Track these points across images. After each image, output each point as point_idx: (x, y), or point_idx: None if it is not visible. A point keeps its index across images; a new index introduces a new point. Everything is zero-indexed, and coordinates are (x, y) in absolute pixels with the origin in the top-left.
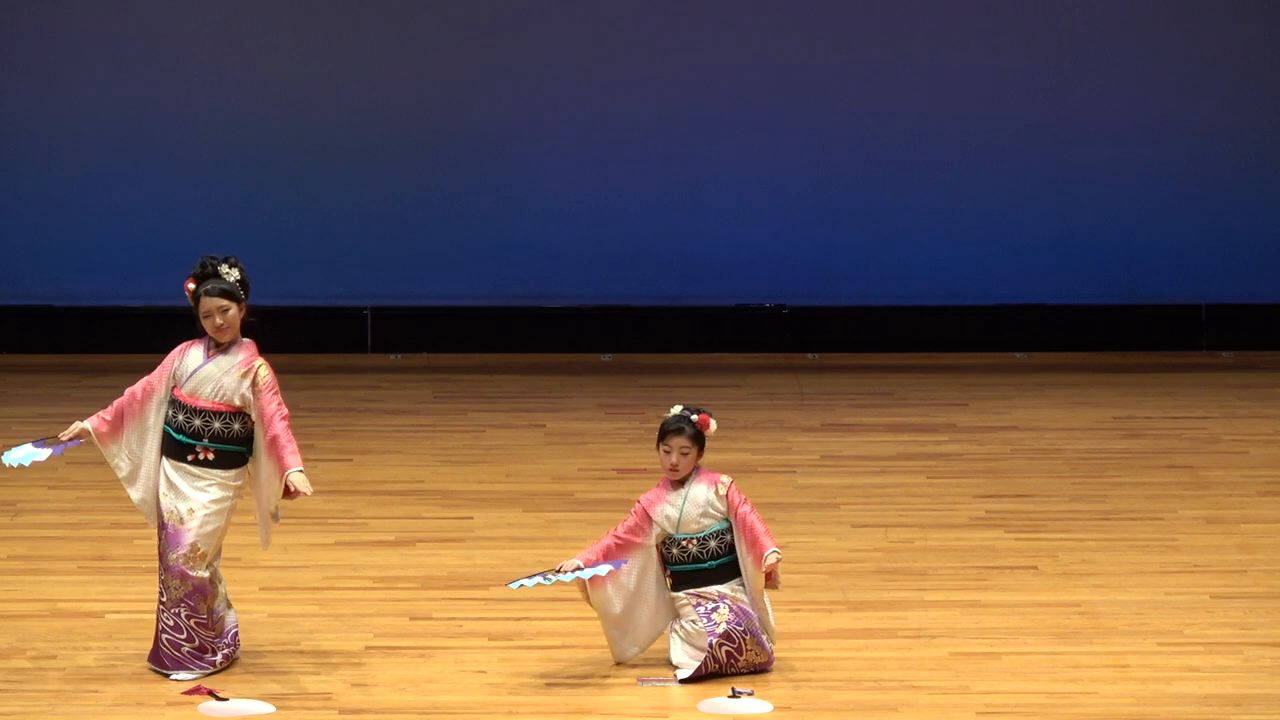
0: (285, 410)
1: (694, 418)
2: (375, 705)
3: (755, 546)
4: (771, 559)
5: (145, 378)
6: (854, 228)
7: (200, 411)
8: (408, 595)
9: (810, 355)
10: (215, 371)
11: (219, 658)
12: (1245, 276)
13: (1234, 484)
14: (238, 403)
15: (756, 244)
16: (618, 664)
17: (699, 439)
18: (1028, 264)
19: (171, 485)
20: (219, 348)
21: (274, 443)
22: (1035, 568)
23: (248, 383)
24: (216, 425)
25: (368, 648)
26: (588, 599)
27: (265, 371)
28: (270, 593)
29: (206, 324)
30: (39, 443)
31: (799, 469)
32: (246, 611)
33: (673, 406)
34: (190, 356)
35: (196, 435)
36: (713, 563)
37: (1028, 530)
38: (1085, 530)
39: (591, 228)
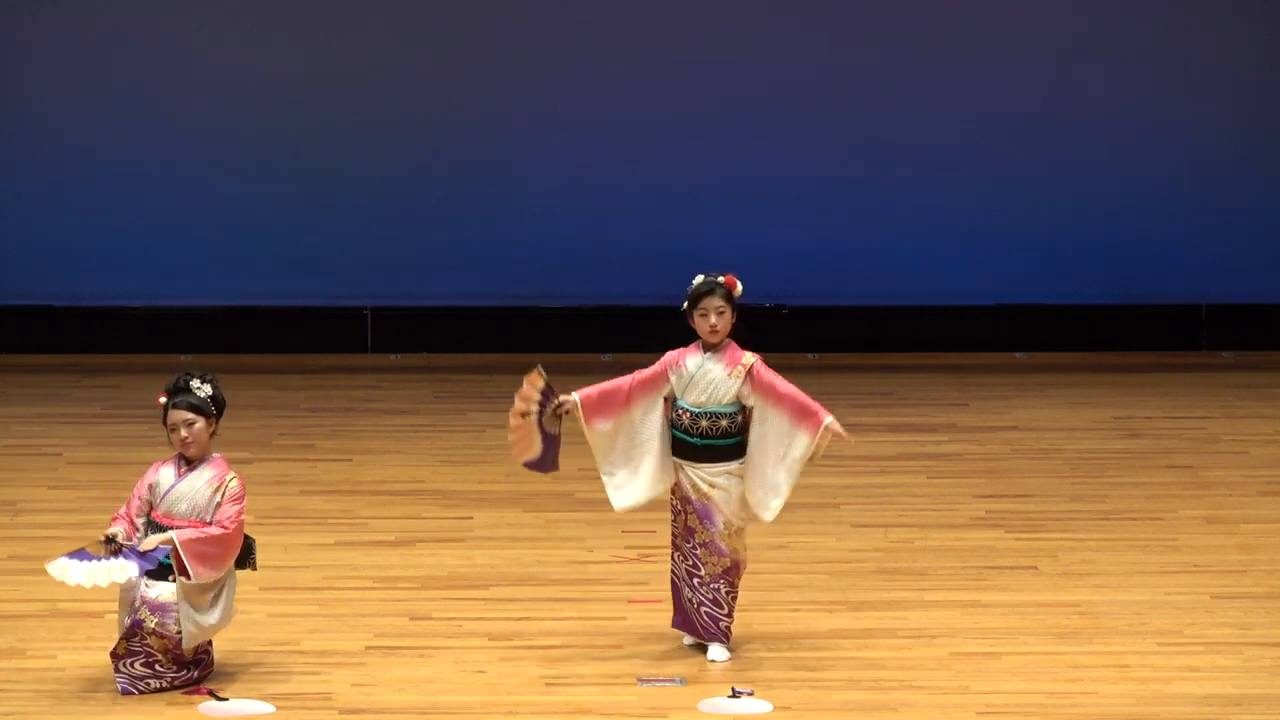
0: (230, 525)
1: (721, 279)
2: (375, 705)
3: (809, 417)
4: (833, 425)
5: (126, 509)
6: (854, 228)
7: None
8: (408, 595)
9: (810, 355)
10: (189, 488)
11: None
12: (1245, 276)
13: (1234, 484)
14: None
15: (756, 244)
16: (619, 509)
17: (730, 299)
18: (1028, 264)
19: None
20: (189, 465)
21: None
22: (1035, 568)
23: (219, 495)
24: None
25: (368, 648)
26: (585, 430)
27: (235, 484)
28: (270, 593)
29: (173, 437)
30: (79, 555)
31: None
32: (246, 612)
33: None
34: (162, 477)
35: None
36: (698, 440)
37: (1028, 530)
38: (1085, 530)
39: (591, 228)
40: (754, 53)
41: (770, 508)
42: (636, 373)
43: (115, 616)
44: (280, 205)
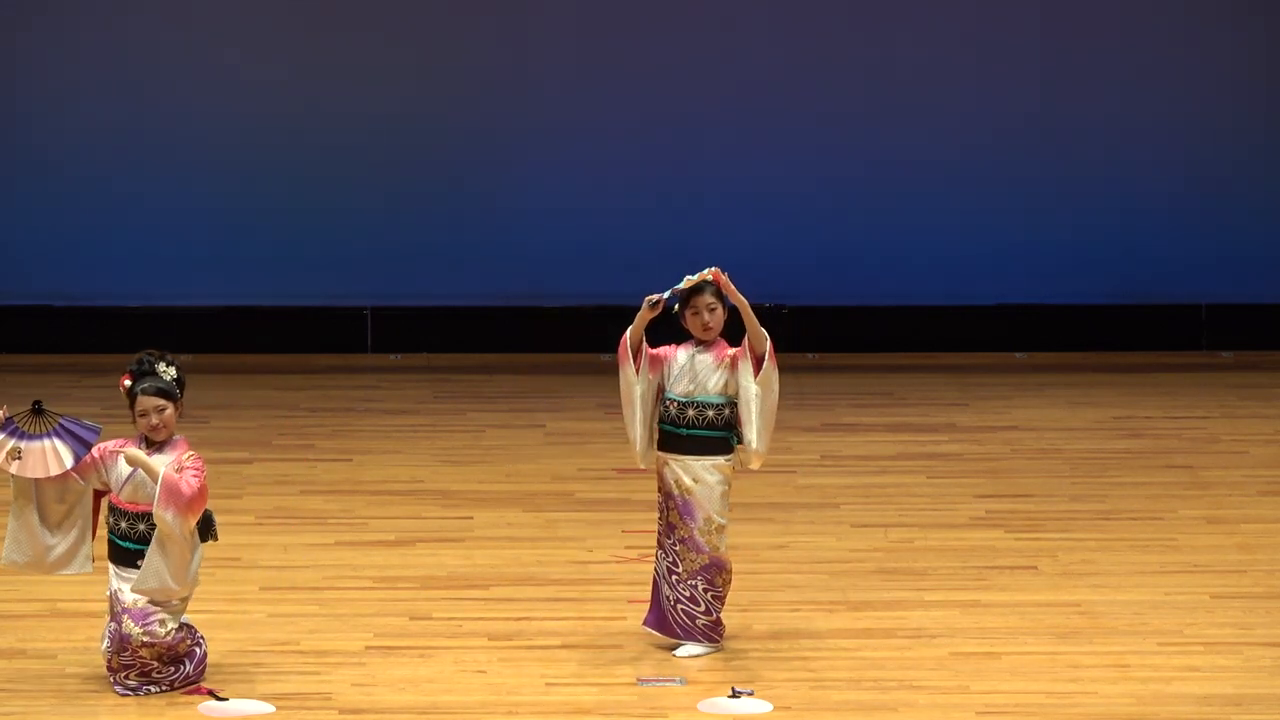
0: (195, 480)
1: (709, 276)
2: (375, 705)
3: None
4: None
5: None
6: (854, 228)
7: (144, 515)
8: (408, 595)
9: (810, 355)
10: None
11: (189, 669)
12: (1245, 276)
13: (1234, 484)
14: None
15: (756, 244)
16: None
17: (721, 296)
18: (1027, 264)
19: (125, 580)
20: (151, 447)
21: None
22: (1035, 568)
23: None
24: None
25: (368, 648)
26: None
27: (190, 457)
28: (270, 593)
29: (142, 423)
30: (8, 427)
31: (799, 469)
32: (246, 612)
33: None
34: (121, 462)
35: (143, 540)
36: (684, 430)
37: (1028, 530)
38: (1085, 530)
39: (591, 228)
40: (754, 53)
41: (755, 445)
42: (645, 347)
43: None
44: (280, 205)
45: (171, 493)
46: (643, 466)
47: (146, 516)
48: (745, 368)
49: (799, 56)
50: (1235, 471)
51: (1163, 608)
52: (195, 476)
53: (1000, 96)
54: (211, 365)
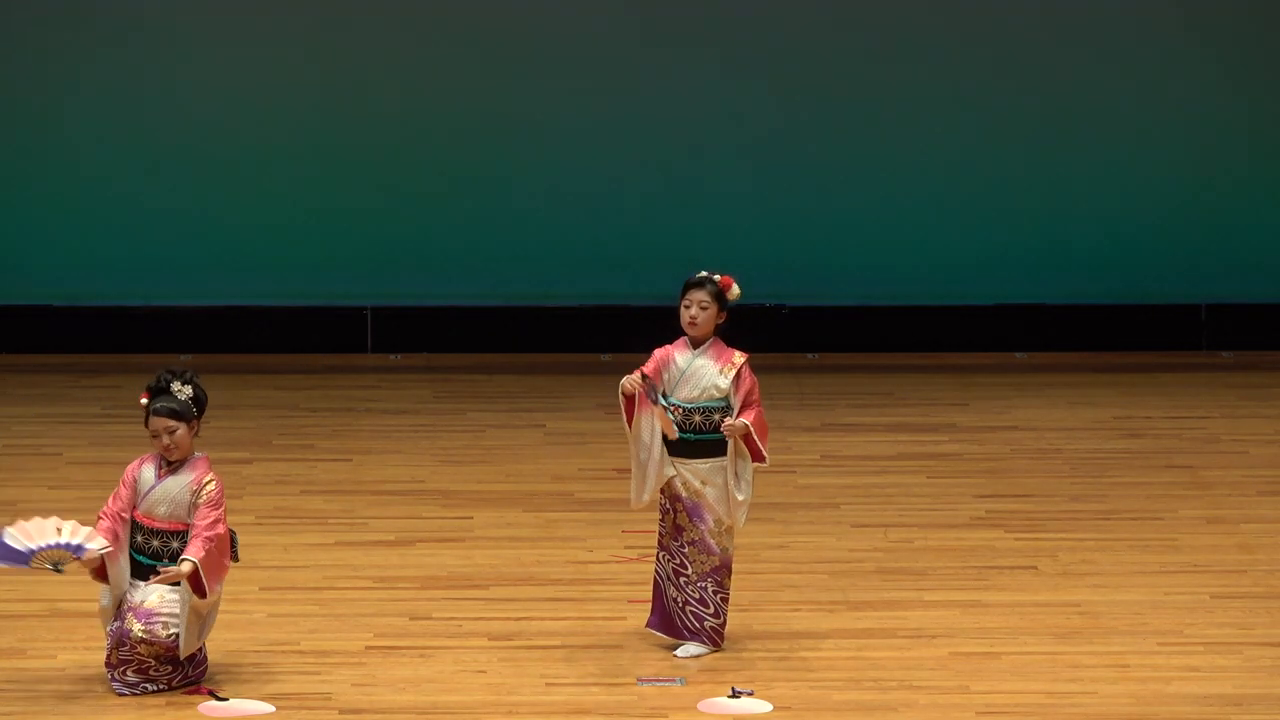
0: (220, 529)
1: (717, 277)
2: (375, 705)
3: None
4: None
5: (112, 504)
6: (854, 228)
7: (158, 532)
8: (408, 595)
9: (810, 355)
10: (168, 491)
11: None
12: (1245, 276)
13: (1234, 484)
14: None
15: (756, 244)
16: (634, 508)
17: (720, 298)
18: (1028, 264)
19: (135, 588)
20: (170, 465)
21: (190, 548)
22: (1035, 568)
23: (197, 499)
24: (175, 545)
25: (368, 648)
26: (629, 423)
27: (213, 487)
28: (270, 593)
29: (155, 443)
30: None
31: (799, 469)
32: (246, 612)
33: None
34: (143, 476)
35: (156, 556)
36: (691, 435)
37: (1028, 530)
38: (1085, 530)
39: (591, 228)
40: (752, 52)
41: (738, 519)
42: (644, 368)
43: None
44: (280, 205)
45: (214, 570)
46: (639, 504)
47: (161, 533)
48: (746, 456)
49: (797, 56)
50: (1235, 471)
51: (1163, 608)
52: (219, 522)
53: (1000, 97)
54: (211, 365)
